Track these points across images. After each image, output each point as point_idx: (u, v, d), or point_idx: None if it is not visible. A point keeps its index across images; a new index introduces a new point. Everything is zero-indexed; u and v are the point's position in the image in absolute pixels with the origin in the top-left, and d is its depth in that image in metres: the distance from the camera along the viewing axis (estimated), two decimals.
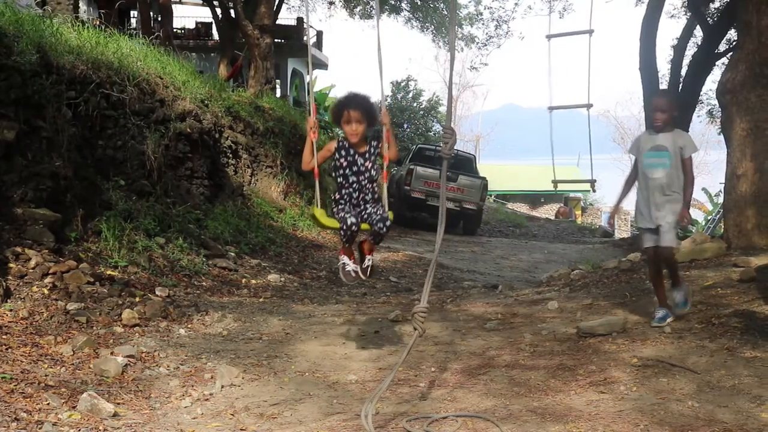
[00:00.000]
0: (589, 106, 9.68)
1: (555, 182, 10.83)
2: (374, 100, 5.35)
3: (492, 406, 4.50)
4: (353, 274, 5.30)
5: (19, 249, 6.72)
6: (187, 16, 32.76)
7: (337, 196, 5.23)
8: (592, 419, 4.11)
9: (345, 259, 5.29)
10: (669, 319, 5.99)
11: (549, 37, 8.33)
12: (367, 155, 5.20)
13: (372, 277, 6.14)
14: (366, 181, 5.19)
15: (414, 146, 25.06)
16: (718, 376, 4.68)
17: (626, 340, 5.71)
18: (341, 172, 5.19)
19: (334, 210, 5.24)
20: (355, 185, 5.18)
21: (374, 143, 5.23)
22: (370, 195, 5.22)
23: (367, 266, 5.36)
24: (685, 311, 6.12)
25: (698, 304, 6.53)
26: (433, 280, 11.68)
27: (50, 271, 6.62)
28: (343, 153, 5.18)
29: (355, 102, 5.16)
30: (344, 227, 5.04)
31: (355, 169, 5.17)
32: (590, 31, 7.30)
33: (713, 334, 5.61)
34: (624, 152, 55.10)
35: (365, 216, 5.15)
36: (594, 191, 16.36)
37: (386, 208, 5.22)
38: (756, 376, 4.60)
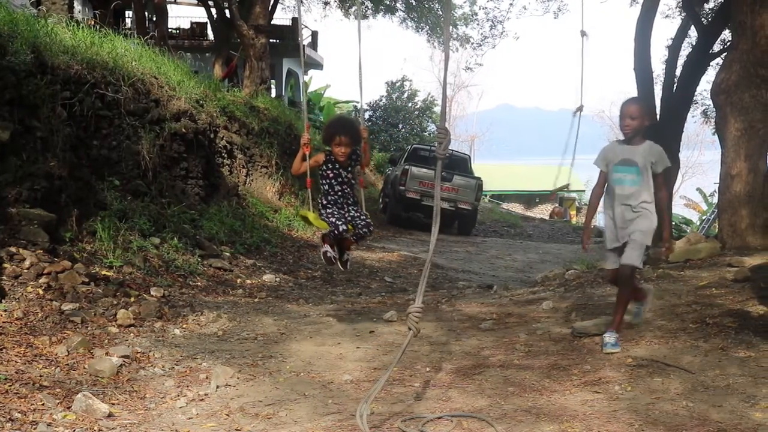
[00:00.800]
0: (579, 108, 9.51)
1: (557, 191, 10.41)
2: (357, 120, 6.72)
3: (487, 405, 4.51)
4: (333, 260, 6.31)
5: (13, 249, 6.71)
6: (182, 16, 32.73)
7: (325, 201, 6.35)
8: (587, 419, 4.12)
9: (327, 247, 6.29)
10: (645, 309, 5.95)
11: (583, 33, 8.23)
12: (348, 168, 6.38)
13: (348, 269, 7.12)
14: (348, 188, 6.38)
15: (409, 146, 25.07)
16: (713, 376, 4.70)
17: (621, 339, 5.71)
18: (328, 181, 6.33)
19: (322, 212, 6.28)
20: (339, 193, 6.34)
21: (354, 157, 6.35)
22: (351, 199, 6.43)
23: (347, 260, 6.52)
24: (636, 322, 5.92)
25: (693, 304, 6.55)
26: (428, 280, 11.69)
27: (45, 272, 6.61)
28: (330, 166, 6.32)
29: (345, 129, 6.34)
30: (335, 232, 6.15)
31: (339, 180, 6.34)
32: (583, 33, 7.25)
33: (707, 333, 5.62)
34: None
35: (350, 218, 6.27)
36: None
37: (364, 210, 6.50)
38: (750, 376, 4.62)
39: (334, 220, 6.15)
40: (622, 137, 5.68)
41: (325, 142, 6.42)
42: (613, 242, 5.60)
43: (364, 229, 6.31)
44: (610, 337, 5.45)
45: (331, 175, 6.31)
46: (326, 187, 6.33)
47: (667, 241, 5.61)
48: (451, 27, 27.80)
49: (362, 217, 6.34)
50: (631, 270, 5.46)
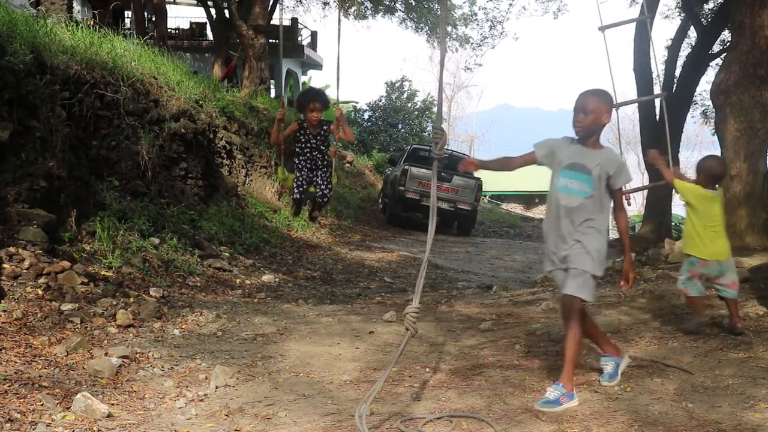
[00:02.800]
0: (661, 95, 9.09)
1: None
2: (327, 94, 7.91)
3: (486, 406, 4.50)
4: (298, 203, 7.96)
5: (12, 249, 6.70)
6: (181, 17, 32.72)
7: (296, 161, 7.60)
8: (586, 419, 4.12)
9: (297, 192, 7.72)
10: (621, 369, 4.79)
11: (602, 28, 8.12)
12: (319, 136, 7.51)
13: (317, 223, 8.53)
14: (317, 153, 7.55)
15: (408, 147, 25.07)
16: (711, 377, 4.70)
17: (620, 340, 5.72)
18: (299, 146, 7.55)
19: (294, 174, 7.65)
20: (308, 155, 7.57)
21: (325, 128, 7.49)
22: (320, 163, 7.60)
23: (315, 216, 8.37)
24: (610, 384, 4.71)
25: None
26: (428, 280, 11.68)
27: (44, 272, 6.60)
28: (302, 132, 7.51)
29: (317, 96, 7.51)
30: (293, 197, 7.77)
31: (309, 145, 7.53)
32: (648, 17, 7.22)
33: (706, 334, 5.62)
34: (617, 152, 55.00)
35: (314, 180, 7.64)
36: None
37: (333, 174, 7.68)
38: (749, 377, 4.62)
39: (295, 186, 7.61)
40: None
41: (299, 109, 7.59)
42: (552, 264, 4.64)
43: (319, 198, 7.71)
44: (552, 392, 4.39)
45: (302, 139, 7.50)
46: (298, 149, 7.55)
47: (627, 273, 4.62)
48: (450, 27, 27.84)
49: (322, 186, 7.62)
50: (577, 302, 4.44)
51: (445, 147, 4.60)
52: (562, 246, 4.52)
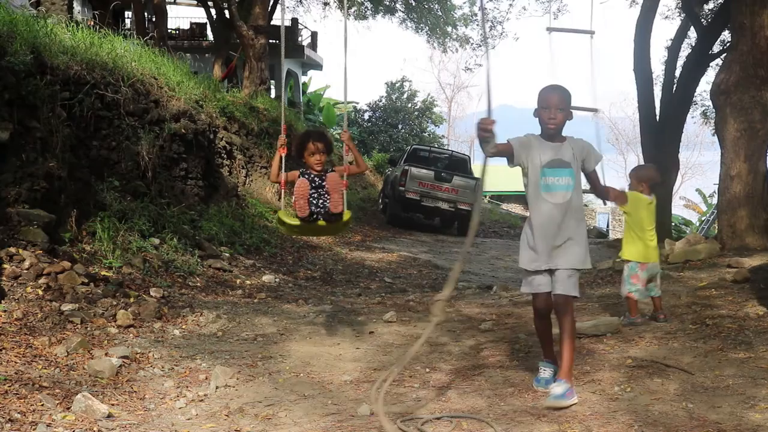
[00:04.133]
0: (593, 110, 9.21)
1: None
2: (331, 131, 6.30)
3: (486, 406, 4.51)
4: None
5: (13, 249, 6.71)
6: (181, 17, 32.72)
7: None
8: (586, 419, 4.12)
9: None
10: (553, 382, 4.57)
11: (549, 29, 8.12)
12: (323, 175, 5.78)
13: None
14: (326, 195, 5.75)
15: (408, 147, 25.05)
16: (711, 377, 4.70)
17: (620, 340, 5.72)
18: (305, 198, 5.71)
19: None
20: (320, 204, 5.75)
21: (326, 167, 5.84)
22: (323, 201, 5.78)
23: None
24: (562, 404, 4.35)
25: (692, 305, 6.56)
26: (428, 280, 11.68)
27: (44, 272, 6.61)
28: (306, 178, 5.76)
29: (318, 135, 5.90)
30: (304, 215, 5.68)
31: (320, 191, 5.76)
32: (591, 32, 7.15)
33: (707, 335, 5.62)
34: (618, 153, 55.14)
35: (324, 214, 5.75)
36: None
37: (345, 209, 5.80)
38: (749, 377, 4.62)
39: (301, 211, 5.69)
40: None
41: (298, 154, 5.89)
42: (542, 262, 4.60)
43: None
44: (558, 387, 4.40)
45: (309, 188, 5.74)
46: (301, 204, 5.73)
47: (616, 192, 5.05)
48: (450, 27, 27.88)
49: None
50: (572, 300, 4.61)
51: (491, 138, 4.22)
52: (553, 243, 4.53)
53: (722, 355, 5.11)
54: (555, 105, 4.51)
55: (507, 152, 4.53)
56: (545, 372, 4.82)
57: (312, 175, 5.79)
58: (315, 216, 5.72)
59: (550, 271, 4.59)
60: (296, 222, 5.81)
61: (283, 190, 6.07)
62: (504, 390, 4.81)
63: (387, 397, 4.81)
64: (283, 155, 5.89)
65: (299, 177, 5.78)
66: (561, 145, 4.56)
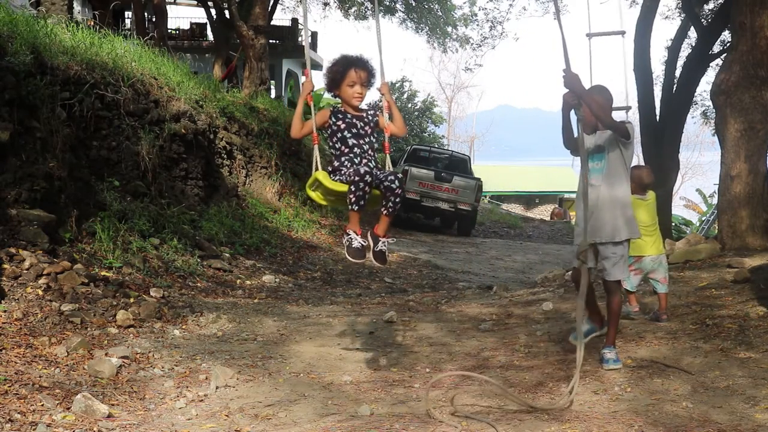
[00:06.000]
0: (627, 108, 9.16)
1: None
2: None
3: (487, 406, 4.50)
4: (361, 249, 4.58)
5: (13, 250, 6.70)
6: (181, 17, 32.74)
7: (336, 164, 4.57)
8: (587, 420, 4.12)
9: (352, 233, 4.58)
10: (593, 334, 5.35)
11: (590, 35, 8.29)
12: (366, 119, 4.65)
13: (384, 264, 4.88)
14: (367, 146, 4.62)
15: (408, 147, 25.04)
16: (713, 377, 4.70)
17: (620, 340, 5.71)
18: (339, 136, 4.59)
19: (334, 178, 4.51)
20: (356, 150, 4.57)
21: (370, 112, 4.70)
22: (373, 162, 4.61)
23: (381, 250, 4.63)
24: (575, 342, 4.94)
25: (693, 305, 6.56)
26: (428, 281, 11.65)
27: (44, 272, 6.60)
28: (339, 116, 4.61)
29: (360, 61, 4.63)
30: (356, 178, 4.33)
31: (354, 131, 4.59)
32: (623, 32, 7.24)
33: (707, 335, 5.62)
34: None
35: (378, 177, 4.46)
36: None
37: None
38: (750, 377, 4.62)
39: (354, 168, 4.42)
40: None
41: (333, 84, 4.67)
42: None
43: (392, 183, 4.46)
44: (610, 353, 5.09)
45: (343, 126, 4.59)
46: (338, 145, 4.60)
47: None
48: (450, 28, 27.87)
49: (391, 177, 4.49)
50: (619, 283, 5.29)
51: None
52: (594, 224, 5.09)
53: (723, 355, 5.11)
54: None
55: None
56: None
57: (350, 117, 4.61)
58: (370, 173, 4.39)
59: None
60: (344, 188, 4.41)
61: (316, 146, 4.55)
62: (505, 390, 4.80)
63: (386, 397, 4.82)
64: (311, 103, 4.61)
65: (331, 112, 4.64)
66: (596, 135, 5.26)
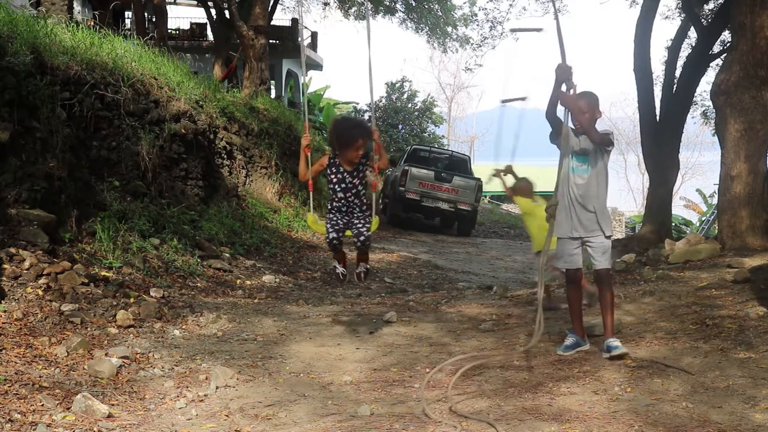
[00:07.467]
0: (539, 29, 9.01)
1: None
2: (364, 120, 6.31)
3: (487, 406, 4.51)
4: (341, 277, 6.22)
5: (13, 250, 6.70)
6: (181, 17, 32.75)
7: (329, 206, 5.95)
8: (587, 420, 4.12)
9: (335, 263, 6.23)
10: (580, 348, 5.55)
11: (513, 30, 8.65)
12: (355, 173, 5.78)
13: (365, 281, 6.60)
14: (353, 197, 5.81)
15: (409, 147, 25.05)
16: (712, 377, 4.70)
17: (621, 340, 5.71)
18: (332, 186, 5.83)
19: (327, 216, 5.97)
20: (342, 201, 5.83)
21: (363, 160, 5.77)
22: (357, 208, 5.88)
23: (360, 272, 6.14)
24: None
25: (692, 305, 6.55)
26: (428, 281, 11.64)
27: (44, 272, 6.60)
28: (333, 170, 5.78)
29: (363, 130, 5.74)
30: (327, 239, 5.90)
31: (343, 186, 5.78)
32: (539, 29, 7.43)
33: (707, 335, 5.62)
34: (618, 153, 55.04)
35: (351, 225, 5.86)
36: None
37: (373, 215, 5.93)
38: (750, 377, 4.62)
39: (329, 226, 5.83)
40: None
41: (342, 147, 5.72)
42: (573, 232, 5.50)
43: (359, 243, 5.85)
44: (615, 341, 5.28)
45: (335, 180, 5.77)
46: (330, 191, 5.87)
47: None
48: (450, 28, 27.86)
49: (359, 225, 5.83)
50: (609, 272, 5.53)
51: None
52: (578, 222, 5.42)
53: (723, 356, 5.10)
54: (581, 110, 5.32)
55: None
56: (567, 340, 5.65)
57: (342, 172, 5.80)
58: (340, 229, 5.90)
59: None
60: (322, 230, 6.00)
61: (311, 192, 6.24)
62: (504, 390, 4.81)
63: (386, 397, 4.82)
64: (309, 155, 5.91)
65: (328, 163, 5.84)
66: (583, 138, 5.41)
